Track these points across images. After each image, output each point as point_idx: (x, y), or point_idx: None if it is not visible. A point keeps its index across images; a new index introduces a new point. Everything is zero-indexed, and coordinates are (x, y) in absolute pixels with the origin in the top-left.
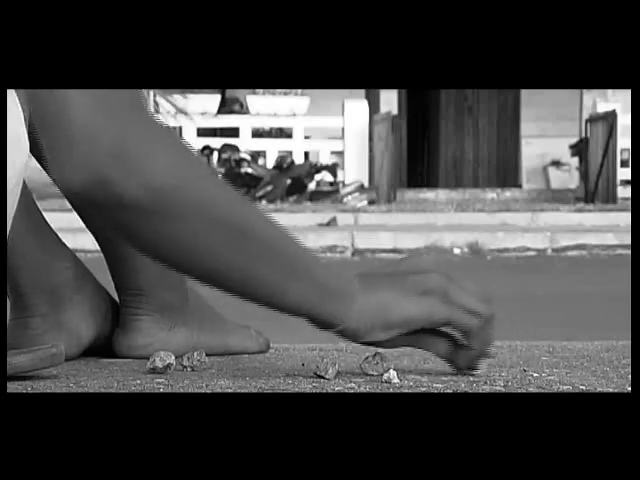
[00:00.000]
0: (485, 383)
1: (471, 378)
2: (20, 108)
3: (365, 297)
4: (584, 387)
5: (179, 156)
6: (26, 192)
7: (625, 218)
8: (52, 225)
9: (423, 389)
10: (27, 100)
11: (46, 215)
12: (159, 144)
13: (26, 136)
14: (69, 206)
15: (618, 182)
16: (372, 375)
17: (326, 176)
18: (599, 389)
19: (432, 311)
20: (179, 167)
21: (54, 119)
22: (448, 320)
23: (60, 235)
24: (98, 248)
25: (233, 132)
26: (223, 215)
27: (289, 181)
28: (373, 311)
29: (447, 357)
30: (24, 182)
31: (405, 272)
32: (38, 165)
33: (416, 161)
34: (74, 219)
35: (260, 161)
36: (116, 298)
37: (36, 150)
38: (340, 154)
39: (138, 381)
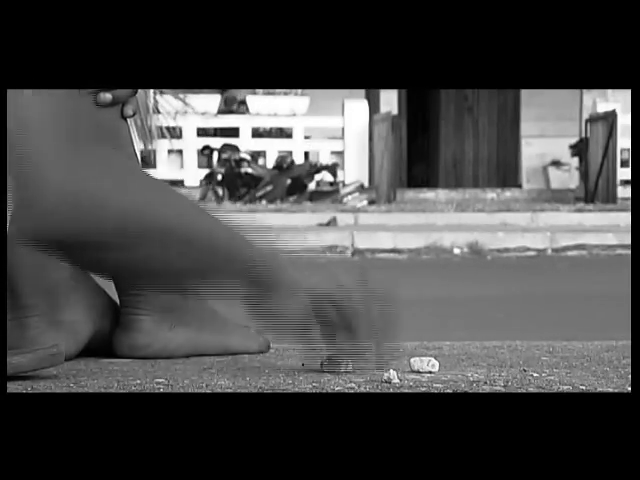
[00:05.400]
0: (485, 383)
1: (471, 378)
2: None
3: None
4: (584, 387)
5: (132, 201)
6: None
7: (625, 218)
8: None
9: (423, 389)
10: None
11: None
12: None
13: None
14: None
15: (618, 182)
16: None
17: (326, 176)
18: (599, 389)
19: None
20: (132, 211)
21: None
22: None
23: None
24: None
25: (233, 132)
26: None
27: (289, 181)
28: None
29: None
30: None
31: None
32: None
33: (416, 161)
34: None
35: (260, 161)
36: (115, 298)
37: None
38: (340, 154)
39: (138, 381)
